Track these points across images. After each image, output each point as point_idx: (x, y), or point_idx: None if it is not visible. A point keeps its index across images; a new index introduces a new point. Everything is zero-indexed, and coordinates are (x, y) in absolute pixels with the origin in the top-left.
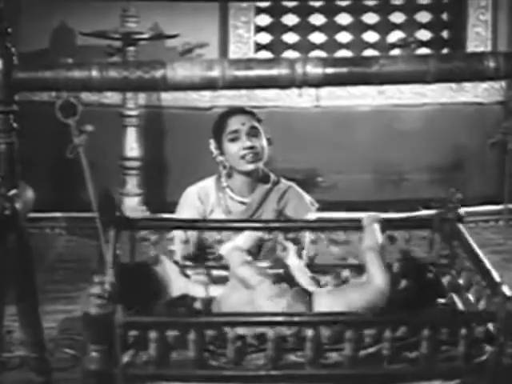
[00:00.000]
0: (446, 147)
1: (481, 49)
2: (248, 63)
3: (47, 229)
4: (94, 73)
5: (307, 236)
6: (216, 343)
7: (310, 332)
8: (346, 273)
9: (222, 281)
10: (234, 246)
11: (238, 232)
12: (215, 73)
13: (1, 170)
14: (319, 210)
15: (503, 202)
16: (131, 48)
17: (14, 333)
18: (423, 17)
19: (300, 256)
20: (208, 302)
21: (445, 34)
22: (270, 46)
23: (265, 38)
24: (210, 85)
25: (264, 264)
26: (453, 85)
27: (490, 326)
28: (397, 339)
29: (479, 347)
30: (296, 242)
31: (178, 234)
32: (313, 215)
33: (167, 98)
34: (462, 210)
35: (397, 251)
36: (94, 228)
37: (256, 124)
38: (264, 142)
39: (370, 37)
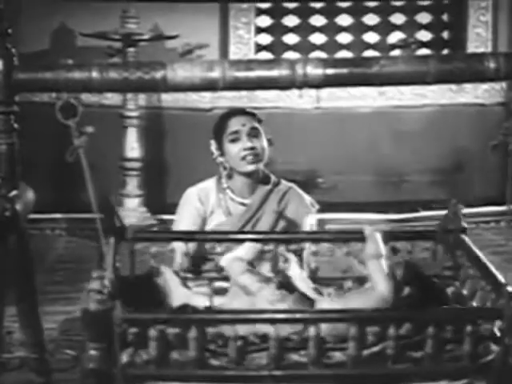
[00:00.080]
0: (447, 148)
1: (481, 50)
2: (248, 64)
3: (47, 230)
4: (95, 74)
5: (307, 246)
6: (217, 341)
7: (312, 330)
8: (348, 284)
9: (223, 292)
10: (234, 257)
11: (238, 243)
12: (215, 74)
13: (1, 170)
14: (319, 211)
15: (504, 203)
16: (131, 49)
17: (14, 333)
18: (423, 18)
19: (301, 266)
20: (209, 310)
21: (445, 34)
22: (271, 47)
23: (265, 38)
24: (210, 86)
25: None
26: (453, 86)
27: (497, 327)
28: (401, 337)
29: (485, 347)
30: (297, 253)
31: (178, 246)
32: (313, 216)
33: (167, 98)
34: (463, 211)
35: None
36: (94, 229)
37: (256, 125)
38: (264, 143)
39: (371, 38)
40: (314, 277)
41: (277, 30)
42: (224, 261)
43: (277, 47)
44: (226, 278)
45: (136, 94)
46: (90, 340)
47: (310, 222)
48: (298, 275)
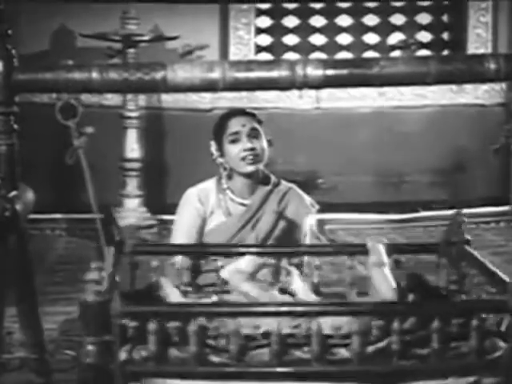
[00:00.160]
0: (447, 149)
1: (481, 50)
2: (248, 65)
3: (47, 230)
4: (95, 74)
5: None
6: (218, 336)
7: (314, 324)
8: (353, 295)
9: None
10: (236, 269)
11: (239, 257)
12: (215, 74)
13: (1, 171)
14: (319, 211)
15: (504, 203)
16: (131, 50)
17: (14, 334)
18: (423, 18)
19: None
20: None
21: (445, 35)
22: (271, 48)
23: (265, 39)
24: (210, 86)
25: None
26: (453, 86)
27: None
28: (406, 332)
29: (492, 343)
30: (299, 266)
31: (179, 260)
32: (313, 216)
33: (167, 99)
34: (464, 212)
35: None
36: (94, 230)
37: (256, 126)
38: (264, 144)
39: (371, 38)
40: (317, 290)
41: (277, 30)
42: (225, 273)
43: (277, 48)
44: (227, 291)
45: (136, 94)
46: (88, 334)
47: (309, 223)
48: (301, 288)
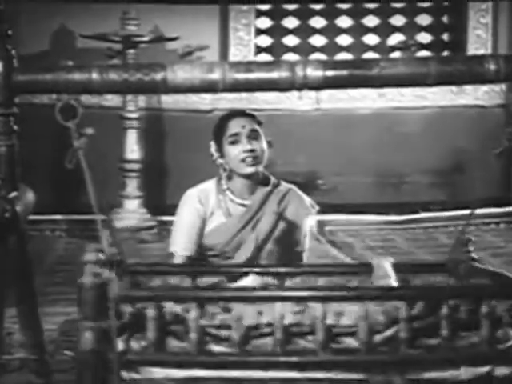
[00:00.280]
0: (447, 150)
1: (481, 51)
2: (248, 66)
3: (47, 231)
4: (95, 75)
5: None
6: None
7: (318, 310)
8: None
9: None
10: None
11: (241, 277)
12: (215, 75)
13: (1, 172)
14: (319, 212)
15: (504, 204)
16: (131, 50)
17: (13, 335)
18: (423, 19)
19: None
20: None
21: (445, 36)
22: (271, 49)
23: (265, 40)
24: (210, 87)
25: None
26: (453, 88)
27: None
28: (414, 318)
29: (504, 332)
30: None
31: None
32: (313, 217)
33: (167, 100)
34: (464, 213)
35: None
36: (94, 230)
37: (256, 127)
38: (264, 145)
39: (371, 39)
40: None
41: (277, 31)
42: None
43: (277, 49)
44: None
45: (136, 95)
46: (85, 318)
47: (309, 224)
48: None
